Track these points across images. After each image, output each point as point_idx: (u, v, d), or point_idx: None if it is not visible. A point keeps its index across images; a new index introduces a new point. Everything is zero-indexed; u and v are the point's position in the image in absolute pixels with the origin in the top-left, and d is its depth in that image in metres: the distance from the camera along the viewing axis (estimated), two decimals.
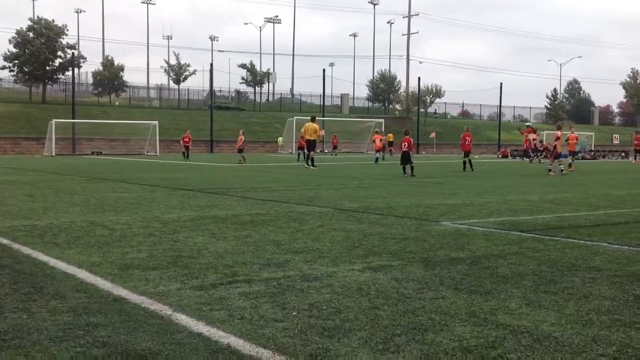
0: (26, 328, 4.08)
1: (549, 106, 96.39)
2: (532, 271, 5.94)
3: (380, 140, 36.48)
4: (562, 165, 24.68)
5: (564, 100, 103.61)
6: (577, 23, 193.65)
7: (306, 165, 27.22)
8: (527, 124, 54.50)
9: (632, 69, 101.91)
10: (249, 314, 4.43)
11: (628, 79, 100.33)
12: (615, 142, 71.42)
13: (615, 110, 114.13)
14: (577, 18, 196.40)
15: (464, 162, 25.85)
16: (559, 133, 26.45)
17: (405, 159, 22.29)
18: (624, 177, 22.61)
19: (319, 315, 4.41)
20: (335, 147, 51.24)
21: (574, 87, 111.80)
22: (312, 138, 27.99)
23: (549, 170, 24.47)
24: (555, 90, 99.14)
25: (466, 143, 26.43)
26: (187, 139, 40.03)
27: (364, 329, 4.12)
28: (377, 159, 34.40)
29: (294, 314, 4.44)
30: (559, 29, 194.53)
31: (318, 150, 54.23)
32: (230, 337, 3.94)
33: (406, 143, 22.83)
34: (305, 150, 28.81)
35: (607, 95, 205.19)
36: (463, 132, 27.49)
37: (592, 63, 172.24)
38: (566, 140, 28.12)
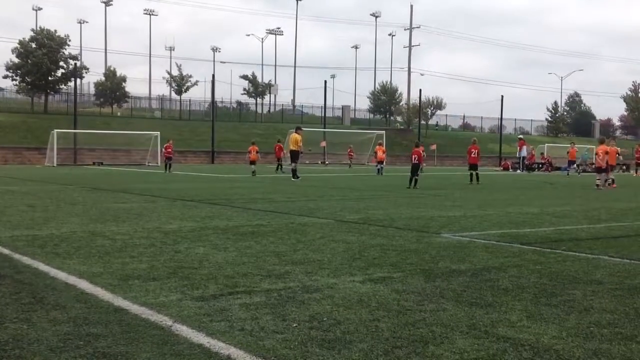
0: (26, 338, 4.08)
1: (549, 119, 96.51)
2: (533, 284, 5.94)
3: (384, 152, 36.38)
4: (599, 180, 23.41)
5: (565, 113, 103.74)
6: (574, 37, 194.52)
7: (293, 179, 26.21)
8: (520, 136, 54.63)
9: (633, 82, 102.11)
10: (249, 325, 4.42)
11: (629, 92, 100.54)
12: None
13: (617, 123, 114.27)
14: (574, 32, 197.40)
15: (471, 175, 25.70)
16: (607, 148, 24.35)
17: (414, 170, 22.30)
18: (625, 190, 22.58)
19: (320, 327, 4.40)
20: (351, 159, 51.26)
21: (574, 100, 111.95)
22: (293, 149, 27.33)
23: (597, 185, 23.36)
24: (555, 103, 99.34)
25: (472, 155, 26.24)
26: (169, 149, 37.05)
27: (364, 340, 4.11)
28: (379, 170, 34.48)
29: (295, 325, 4.44)
30: (556, 43, 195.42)
31: (321, 162, 54.18)
32: (231, 348, 3.93)
33: (416, 155, 22.89)
34: (290, 162, 27.71)
35: (608, 108, 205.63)
36: (469, 145, 27.09)
37: (591, 76, 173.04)
38: (596, 153, 25.97)
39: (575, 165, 43.04)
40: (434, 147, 61.92)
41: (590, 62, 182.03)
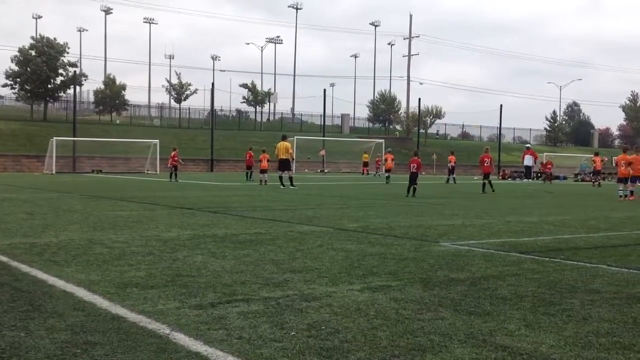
0: (24, 346, 4.07)
1: (548, 128, 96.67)
2: (532, 293, 5.93)
3: (392, 160, 35.90)
4: (621, 191, 22.60)
5: (564, 122, 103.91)
6: (570, 47, 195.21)
7: (282, 186, 26.09)
8: (527, 145, 54.40)
9: (632, 91, 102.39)
10: (247, 333, 4.42)
11: (628, 102, 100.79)
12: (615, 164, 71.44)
13: (615, 132, 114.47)
14: (570, 42, 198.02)
15: (484, 184, 25.58)
16: (629, 157, 23.33)
17: (413, 179, 22.27)
18: (624, 200, 22.55)
19: (318, 336, 4.39)
20: (378, 169, 49.40)
21: (573, 110, 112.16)
22: (284, 157, 27.23)
23: (621, 196, 22.42)
24: (554, 112, 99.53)
25: (485, 164, 26.15)
26: (175, 158, 35.80)
27: (362, 349, 4.10)
28: (387, 178, 34.12)
29: (293, 334, 4.43)
30: (553, 53, 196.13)
31: (320, 170, 53.98)
32: (229, 356, 3.92)
33: (415, 164, 22.87)
34: (279, 171, 27.56)
35: (606, 117, 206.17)
36: (482, 154, 26.91)
37: (588, 86, 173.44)
38: (616, 163, 24.73)
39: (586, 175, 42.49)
40: (434, 156, 62.04)
41: (587, 71, 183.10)
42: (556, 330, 4.63)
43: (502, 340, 4.34)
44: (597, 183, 37.51)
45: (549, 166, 46.71)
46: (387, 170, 34.97)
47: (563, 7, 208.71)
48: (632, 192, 22.80)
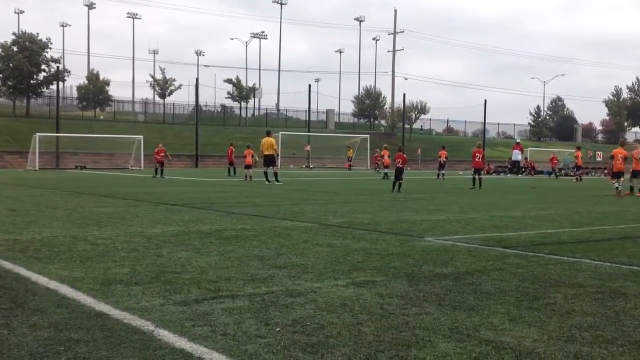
0: (6, 344, 4.03)
1: (532, 123, 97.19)
2: (515, 287, 5.97)
3: (389, 155, 35.73)
4: (619, 186, 22.31)
5: (548, 117, 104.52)
6: (552, 43, 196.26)
7: (267, 182, 25.98)
8: (517, 140, 54.68)
9: (615, 86, 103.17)
10: (232, 329, 4.41)
11: (611, 97, 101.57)
12: (598, 159, 72.05)
13: (598, 127, 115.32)
14: (552, 39, 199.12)
15: (474, 179, 25.66)
16: (625, 152, 23.23)
17: (398, 174, 22.31)
18: (607, 195, 22.74)
19: (303, 331, 4.39)
20: (378, 165, 46.47)
21: (557, 105, 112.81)
22: (269, 153, 27.18)
23: (617, 189, 22.25)
24: (538, 107, 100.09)
25: (476, 159, 26.25)
26: (161, 153, 34.87)
27: (347, 345, 4.11)
28: (385, 174, 34.05)
29: (278, 329, 4.43)
30: (536, 49, 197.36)
31: (306, 165, 53.89)
32: (213, 353, 3.91)
33: (400, 160, 22.90)
34: (264, 166, 27.50)
35: (590, 112, 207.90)
36: (474, 148, 27.07)
37: (572, 82, 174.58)
38: (612, 156, 23.75)
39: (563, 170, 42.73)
40: (419, 151, 62.20)
41: (570, 67, 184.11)
42: (540, 325, 4.65)
43: (486, 335, 4.36)
44: (579, 178, 37.79)
45: (555, 161, 46.66)
46: (385, 166, 34.99)
47: (546, 3, 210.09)
48: (631, 188, 22.52)
